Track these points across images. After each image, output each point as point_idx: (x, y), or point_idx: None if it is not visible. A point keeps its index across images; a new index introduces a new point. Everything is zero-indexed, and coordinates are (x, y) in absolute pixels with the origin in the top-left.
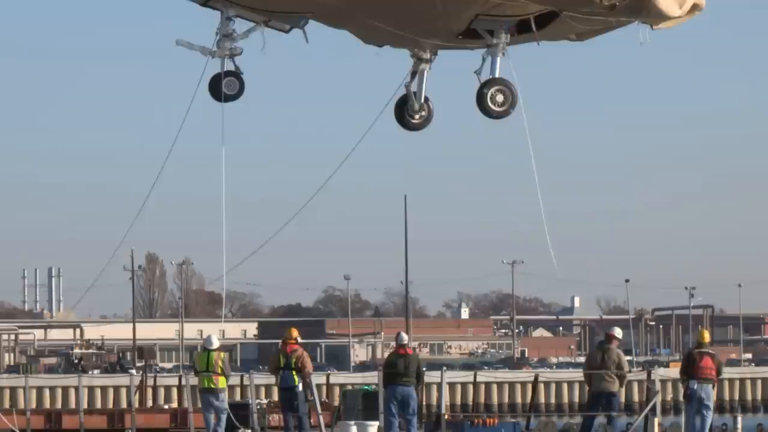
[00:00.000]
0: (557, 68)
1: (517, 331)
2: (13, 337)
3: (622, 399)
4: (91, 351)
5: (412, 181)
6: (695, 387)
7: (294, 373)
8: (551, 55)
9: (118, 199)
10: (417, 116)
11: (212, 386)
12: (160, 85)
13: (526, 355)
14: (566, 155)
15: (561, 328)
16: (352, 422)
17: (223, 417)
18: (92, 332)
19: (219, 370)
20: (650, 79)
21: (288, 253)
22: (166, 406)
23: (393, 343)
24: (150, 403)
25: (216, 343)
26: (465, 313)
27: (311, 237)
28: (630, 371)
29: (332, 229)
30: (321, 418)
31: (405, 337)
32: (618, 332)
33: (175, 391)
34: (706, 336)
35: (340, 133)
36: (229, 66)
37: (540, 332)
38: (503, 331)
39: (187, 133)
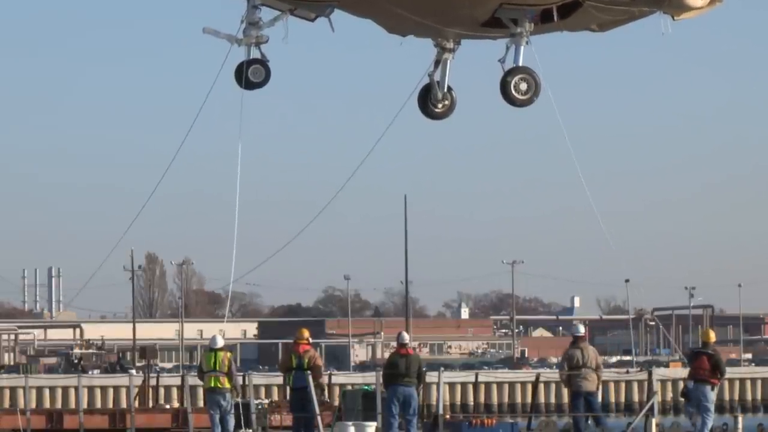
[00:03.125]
0: (561, 62)
1: (517, 331)
2: (13, 337)
3: (622, 399)
4: (91, 351)
5: (412, 181)
6: (691, 387)
7: (307, 373)
8: (558, 48)
9: (119, 199)
10: (440, 105)
11: (219, 386)
12: (162, 84)
13: (526, 355)
14: (566, 153)
15: (561, 328)
16: (350, 423)
17: (230, 417)
18: (92, 332)
19: (226, 370)
20: (651, 78)
21: (288, 253)
22: (167, 406)
23: (393, 343)
24: (154, 402)
25: (221, 342)
26: (465, 313)
27: (311, 237)
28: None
29: (332, 229)
30: (320, 418)
31: (406, 336)
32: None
33: (175, 390)
34: (710, 335)
35: (355, 126)
36: (255, 54)
37: (540, 332)
38: (503, 331)
39: (191, 132)
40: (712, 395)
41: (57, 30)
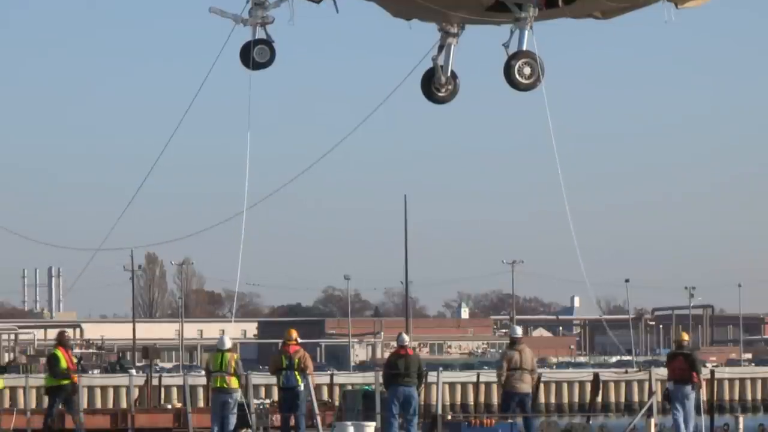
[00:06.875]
0: (562, 59)
1: None
2: (13, 337)
3: (622, 399)
4: (91, 351)
5: (412, 180)
6: (671, 388)
7: (296, 373)
8: (558, 45)
9: (120, 198)
10: (443, 90)
11: (225, 386)
12: (163, 83)
13: None
14: (563, 153)
15: (561, 328)
16: (350, 423)
17: (232, 417)
18: (92, 332)
19: (232, 371)
20: (652, 77)
21: (288, 253)
22: (169, 406)
23: (393, 344)
24: (157, 402)
25: (228, 344)
26: (465, 313)
27: (311, 237)
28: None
29: (332, 229)
30: (318, 419)
31: (406, 338)
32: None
33: (175, 390)
34: (684, 337)
35: (357, 115)
36: (260, 35)
37: (540, 332)
38: (503, 331)
39: (188, 130)
40: (694, 394)
41: (57, 30)
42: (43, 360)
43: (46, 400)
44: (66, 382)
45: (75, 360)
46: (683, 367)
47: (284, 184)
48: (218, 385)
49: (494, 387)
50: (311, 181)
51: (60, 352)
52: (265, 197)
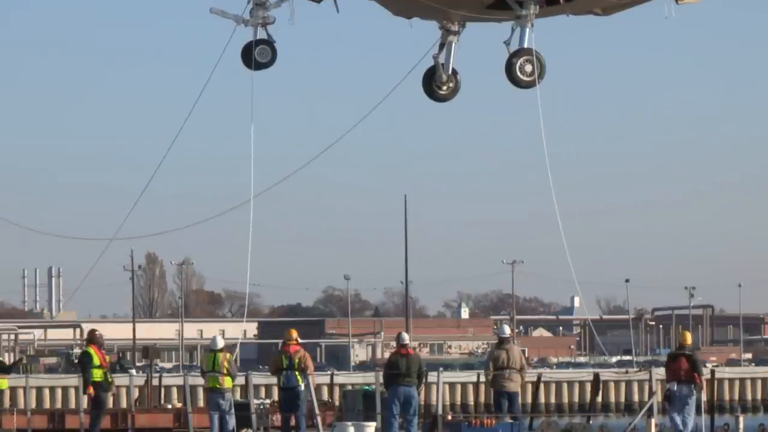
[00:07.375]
0: (563, 58)
1: (517, 331)
2: (13, 337)
3: (622, 399)
4: None
5: (412, 180)
6: (674, 389)
7: (297, 373)
8: (559, 45)
9: (120, 198)
10: (444, 87)
11: (218, 386)
12: (163, 83)
13: (527, 355)
14: (563, 152)
15: (561, 328)
16: (350, 423)
17: (230, 417)
18: None
19: (225, 371)
20: (652, 77)
21: (288, 253)
22: (169, 406)
23: (393, 344)
24: (157, 402)
25: (221, 344)
26: (465, 313)
27: (311, 236)
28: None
29: (332, 229)
30: (319, 419)
31: (406, 337)
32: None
33: (175, 390)
34: (687, 337)
35: (356, 111)
36: (261, 35)
37: (540, 332)
38: None
39: (189, 130)
40: (695, 394)
41: (57, 30)
42: (43, 360)
43: (86, 399)
44: (100, 379)
45: (108, 359)
46: (687, 368)
47: (284, 178)
48: (211, 385)
49: None
50: (311, 181)
51: (93, 350)
52: (267, 189)
